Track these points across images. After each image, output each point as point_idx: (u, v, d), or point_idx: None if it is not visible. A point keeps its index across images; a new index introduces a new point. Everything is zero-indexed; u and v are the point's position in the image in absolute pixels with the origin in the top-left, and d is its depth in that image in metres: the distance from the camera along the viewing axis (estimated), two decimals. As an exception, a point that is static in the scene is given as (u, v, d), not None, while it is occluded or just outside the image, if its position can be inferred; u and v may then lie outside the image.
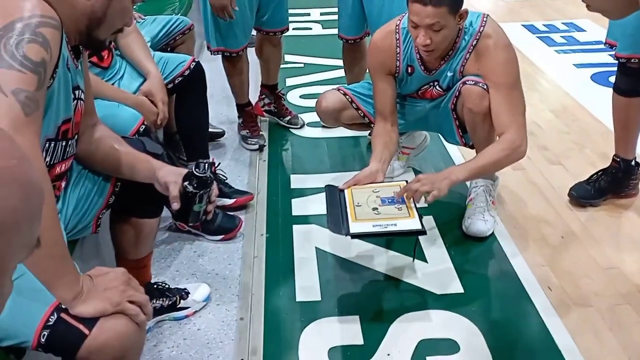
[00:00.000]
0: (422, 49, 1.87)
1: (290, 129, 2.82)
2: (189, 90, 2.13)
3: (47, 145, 1.14)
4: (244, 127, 2.67)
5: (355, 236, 1.69)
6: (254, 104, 2.76)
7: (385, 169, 1.96)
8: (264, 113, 2.84)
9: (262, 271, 1.91)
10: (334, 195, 1.83)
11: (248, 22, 2.44)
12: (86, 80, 1.28)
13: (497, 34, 1.93)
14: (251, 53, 2.66)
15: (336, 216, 1.73)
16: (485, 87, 1.91)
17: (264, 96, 2.83)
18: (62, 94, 1.13)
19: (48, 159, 1.15)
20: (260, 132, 2.68)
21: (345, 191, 1.84)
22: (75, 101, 1.19)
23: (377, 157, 1.96)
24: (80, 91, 1.21)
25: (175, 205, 1.34)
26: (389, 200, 1.78)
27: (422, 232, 1.68)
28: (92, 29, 1.16)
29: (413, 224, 1.68)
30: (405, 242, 1.92)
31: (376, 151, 1.99)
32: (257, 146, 2.62)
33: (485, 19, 1.93)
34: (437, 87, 2.06)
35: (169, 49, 2.38)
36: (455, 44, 1.92)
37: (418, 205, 1.79)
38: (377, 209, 1.75)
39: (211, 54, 2.53)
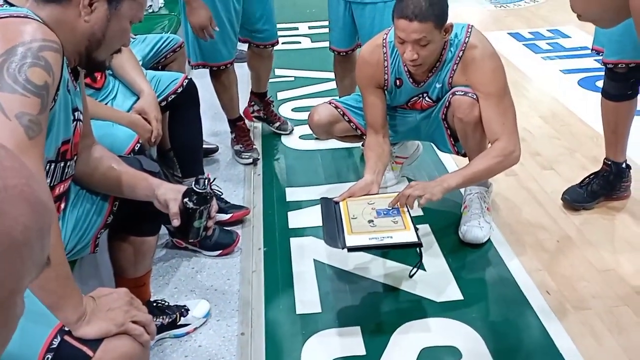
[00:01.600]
0: (409, 64, 1.89)
1: (284, 143, 2.84)
2: (182, 107, 2.13)
3: (47, 166, 1.14)
4: (237, 141, 2.68)
5: (351, 249, 1.70)
6: (243, 110, 2.81)
7: (379, 181, 1.98)
8: (253, 118, 2.91)
9: (261, 285, 1.91)
10: (330, 208, 1.84)
11: (230, 38, 2.46)
12: (84, 101, 1.28)
13: (482, 44, 1.95)
14: (238, 68, 2.67)
15: (332, 229, 1.74)
16: (474, 96, 1.94)
17: (253, 103, 2.90)
18: (62, 116, 1.13)
19: (48, 180, 1.16)
20: (254, 146, 2.69)
21: (341, 204, 1.85)
22: (75, 122, 1.20)
23: (370, 169, 1.98)
24: (79, 112, 1.22)
25: (176, 222, 1.34)
26: (385, 213, 1.79)
27: (418, 244, 1.69)
28: (91, 50, 1.17)
29: (409, 236, 1.69)
30: (404, 252, 1.92)
31: (369, 163, 2.01)
32: (251, 160, 2.63)
33: (470, 30, 1.96)
34: (427, 98, 2.08)
35: (160, 67, 2.38)
36: (441, 56, 1.95)
37: (413, 214, 1.81)
38: (372, 221, 1.76)
39: (192, 69, 2.54)
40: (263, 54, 2.68)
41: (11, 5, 1.12)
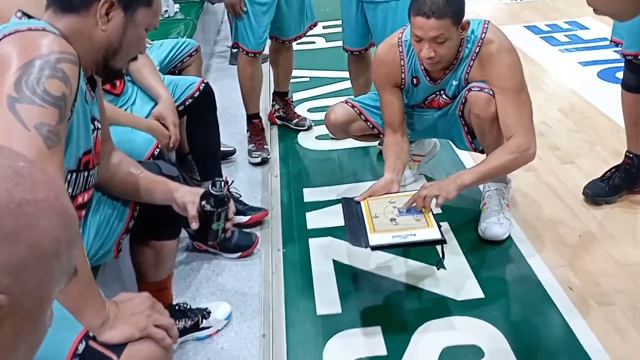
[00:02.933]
0: (426, 61, 1.88)
1: (300, 143, 2.85)
2: (199, 111, 2.15)
3: (68, 176, 1.16)
4: (250, 140, 2.73)
5: (375, 248, 1.70)
6: (268, 113, 2.98)
7: (399, 179, 1.98)
8: (276, 120, 3.00)
9: (281, 287, 1.92)
10: (351, 208, 1.84)
11: (260, 26, 2.54)
12: (101, 109, 1.31)
13: (499, 39, 1.94)
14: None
15: (354, 229, 1.74)
16: (491, 92, 1.92)
17: (274, 102, 3.00)
18: (81, 126, 1.16)
19: (70, 189, 1.18)
20: (265, 146, 2.73)
21: (362, 203, 1.85)
22: (94, 132, 1.22)
23: (390, 168, 1.98)
24: (97, 121, 1.24)
25: (195, 225, 1.36)
26: (406, 210, 1.79)
27: (442, 241, 1.68)
28: (108, 58, 1.19)
29: (432, 233, 1.69)
30: (423, 250, 1.92)
31: (389, 162, 2.01)
32: (259, 159, 2.67)
33: (486, 25, 1.94)
34: (444, 95, 2.07)
35: (177, 72, 2.41)
36: (458, 53, 1.94)
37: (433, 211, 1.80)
38: (394, 219, 1.76)
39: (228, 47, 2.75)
40: (283, 48, 2.78)
41: (29, 17, 1.15)
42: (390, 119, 2.09)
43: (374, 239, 1.67)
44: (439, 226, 1.72)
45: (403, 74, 2.04)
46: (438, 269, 1.84)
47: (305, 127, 2.93)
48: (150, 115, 1.95)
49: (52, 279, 0.52)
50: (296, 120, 2.96)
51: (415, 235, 1.68)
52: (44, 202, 0.51)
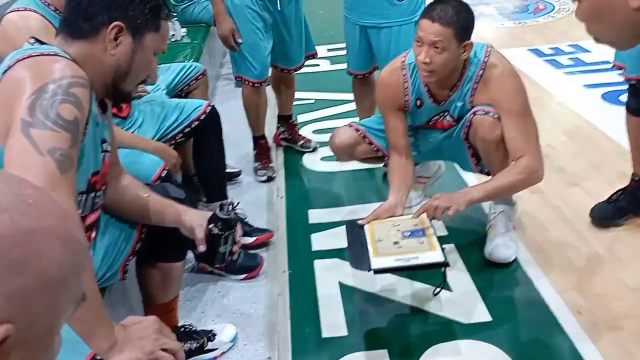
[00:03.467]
0: (421, 66, 1.88)
1: (305, 165, 2.87)
2: (205, 133, 2.17)
3: (78, 198, 1.17)
4: (256, 159, 2.76)
5: (378, 271, 1.69)
6: (273, 135, 2.98)
7: (404, 202, 1.97)
8: (281, 142, 3.03)
9: (286, 309, 1.91)
10: (355, 232, 1.84)
11: (263, 55, 2.55)
12: (111, 131, 1.32)
13: (502, 63, 1.96)
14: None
15: (357, 252, 1.74)
16: (496, 116, 1.94)
17: (279, 125, 3.02)
18: (91, 148, 1.17)
19: (79, 211, 1.19)
20: (271, 165, 2.75)
21: (366, 226, 1.85)
22: (103, 153, 1.24)
23: (395, 191, 1.98)
24: (107, 143, 1.26)
25: (202, 248, 1.36)
26: (410, 233, 1.79)
27: (445, 264, 1.68)
28: (117, 82, 1.21)
29: (435, 256, 1.68)
30: (430, 273, 1.91)
31: (393, 185, 2.01)
32: (265, 177, 2.69)
33: (489, 50, 1.96)
34: (448, 117, 2.08)
35: (183, 95, 2.43)
36: (462, 75, 1.95)
37: (438, 233, 1.80)
38: (398, 242, 1.75)
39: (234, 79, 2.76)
40: (282, 76, 2.78)
41: (42, 43, 1.17)
42: (394, 142, 2.10)
43: (376, 262, 1.67)
44: (443, 249, 1.71)
45: (407, 97, 2.06)
46: (435, 295, 1.82)
47: (311, 149, 2.95)
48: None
49: (59, 306, 0.52)
50: (301, 142, 2.98)
51: (418, 258, 1.68)
52: (49, 229, 0.51)
